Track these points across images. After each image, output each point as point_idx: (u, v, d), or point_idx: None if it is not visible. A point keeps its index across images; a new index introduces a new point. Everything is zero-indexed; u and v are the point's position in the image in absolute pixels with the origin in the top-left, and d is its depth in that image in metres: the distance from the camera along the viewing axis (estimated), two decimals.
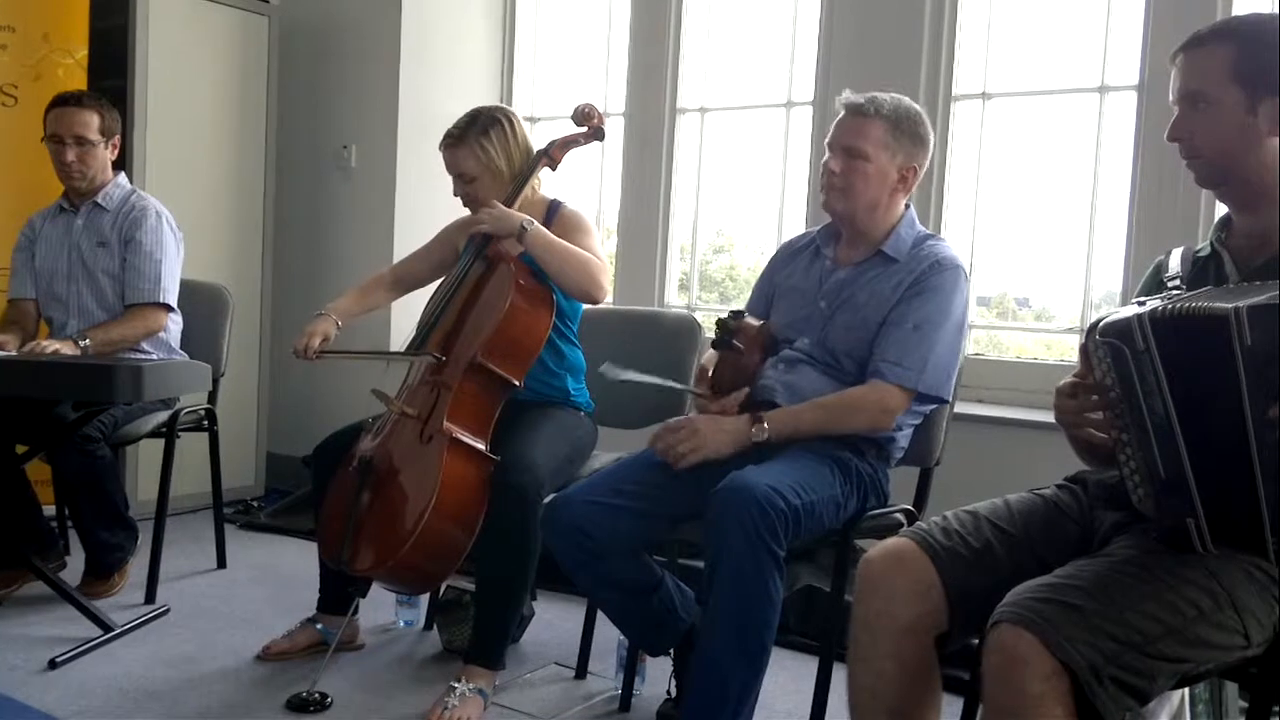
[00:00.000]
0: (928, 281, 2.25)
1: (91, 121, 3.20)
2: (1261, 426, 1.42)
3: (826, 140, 2.33)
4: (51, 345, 2.92)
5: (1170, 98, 1.73)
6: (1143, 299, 1.58)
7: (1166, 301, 1.51)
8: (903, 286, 2.26)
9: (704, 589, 2.06)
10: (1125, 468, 1.56)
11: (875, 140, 2.25)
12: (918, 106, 2.32)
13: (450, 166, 2.75)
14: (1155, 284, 1.79)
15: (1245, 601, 1.50)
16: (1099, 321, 1.56)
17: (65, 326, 3.22)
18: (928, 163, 2.34)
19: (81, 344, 2.99)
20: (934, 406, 2.32)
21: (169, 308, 3.24)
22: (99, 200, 3.27)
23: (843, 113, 2.30)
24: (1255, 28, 1.66)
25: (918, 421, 2.34)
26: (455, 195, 2.80)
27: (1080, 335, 3.31)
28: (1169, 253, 1.81)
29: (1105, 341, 1.53)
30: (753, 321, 2.38)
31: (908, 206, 2.37)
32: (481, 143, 2.71)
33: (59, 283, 3.27)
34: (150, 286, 3.20)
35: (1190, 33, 1.71)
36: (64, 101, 3.22)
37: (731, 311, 2.39)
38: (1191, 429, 1.46)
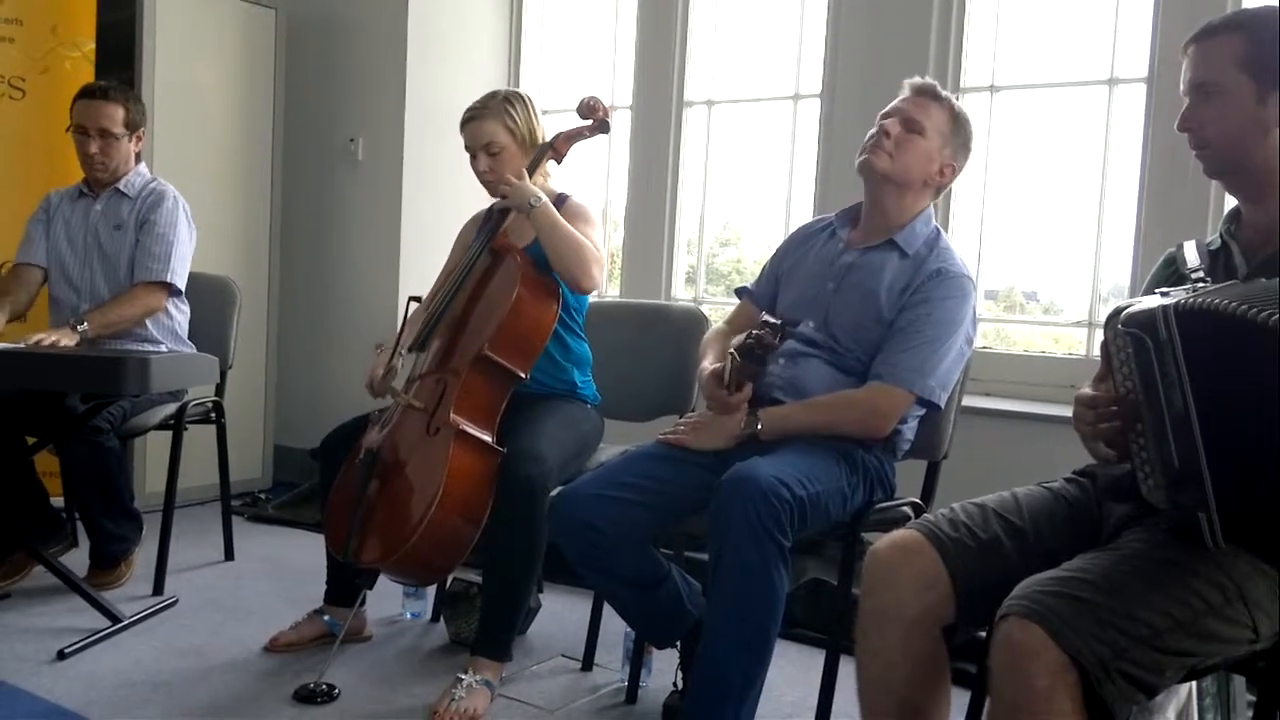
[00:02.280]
0: (934, 291, 2.25)
1: (116, 114, 3.21)
2: (1271, 418, 1.41)
3: (885, 110, 2.34)
4: (49, 337, 2.92)
5: (1180, 88, 1.72)
6: (1166, 290, 1.57)
7: (1192, 295, 1.50)
8: (909, 291, 2.27)
9: (708, 579, 2.07)
10: (1137, 458, 1.55)
11: (937, 122, 2.30)
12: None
13: (476, 140, 2.74)
14: (1167, 276, 1.78)
15: (1254, 595, 1.49)
16: (1120, 311, 1.55)
17: (77, 309, 3.21)
18: (961, 171, 2.38)
19: (80, 328, 2.99)
20: (925, 411, 2.31)
21: (174, 290, 3.25)
22: (120, 187, 3.29)
23: (909, 93, 2.34)
24: (1267, 19, 1.66)
25: (916, 419, 2.33)
26: (478, 173, 2.77)
27: (1087, 328, 3.32)
28: (1180, 245, 1.80)
29: (1127, 332, 1.52)
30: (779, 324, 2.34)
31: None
32: (509, 111, 2.74)
33: (72, 266, 3.27)
34: (159, 266, 3.20)
35: (1200, 24, 1.71)
36: (90, 93, 3.23)
37: (769, 325, 2.32)
38: (1209, 423, 1.46)
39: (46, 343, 2.88)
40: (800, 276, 2.44)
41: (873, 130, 2.33)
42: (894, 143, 2.29)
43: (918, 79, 2.36)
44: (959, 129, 2.33)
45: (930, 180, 2.33)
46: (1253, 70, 1.63)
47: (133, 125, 3.26)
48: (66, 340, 2.93)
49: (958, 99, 2.41)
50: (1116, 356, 1.55)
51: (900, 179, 2.31)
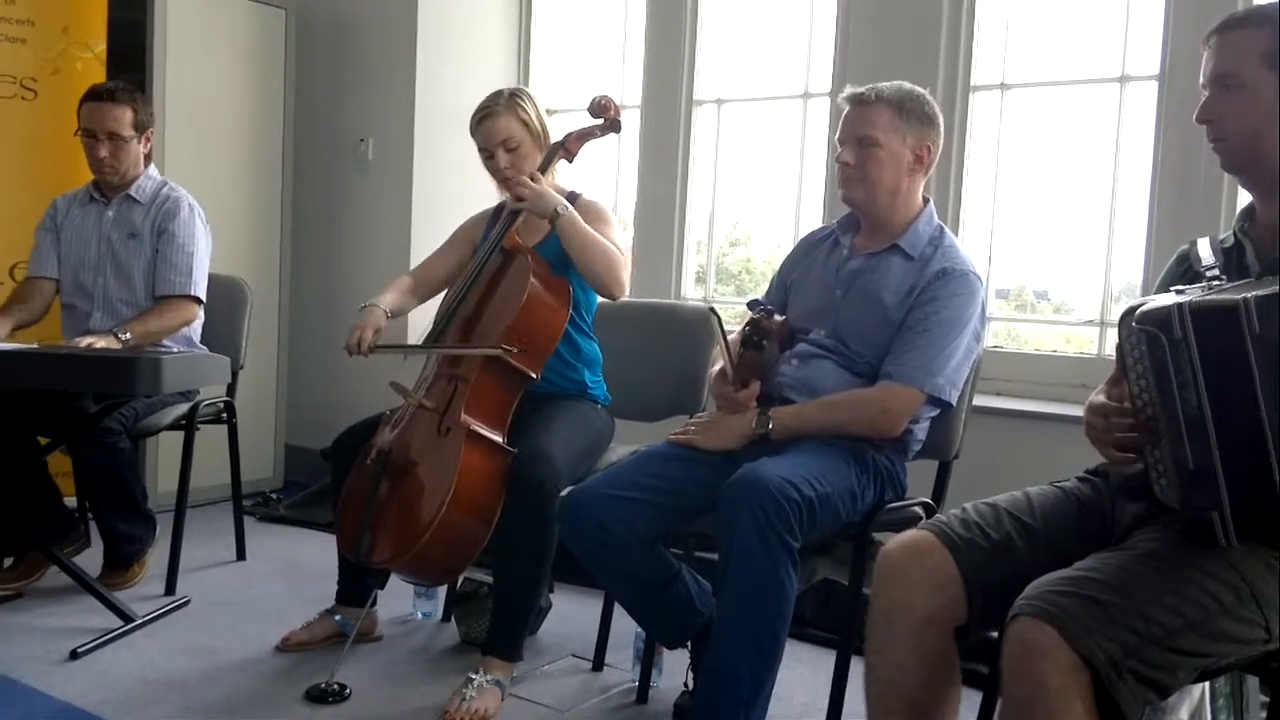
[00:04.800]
0: (940, 290, 2.24)
1: (124, 117, 3.19)
2: (1275, 416, 1.41)
3: (837, 137, 2.34)
4: (99, 340, 2.93)
5: (1200, 80, 1.71)
6: (1181, 288, 1.56)
7: (1207, 293, 1.50)
8: (916, 291, 2.26)
9: (717, 580, 2.07)
10: (1149, 457, 1.55)
11: (883, 125, 2.26)
12: (919, 88, 2.32)
13: (491, 139, 2.72)
14: (1181, 274, 1.77)
15: (1267, 595, 1.49)
16: (1134, 309, 1.54)
17: (90, 317, 3.22)
18: (941, 141, 2.34)
19: (123, 338, 3.00)
20: (937, 411, 2.31)
21: (199, 300, 3.25)
22: (132, 193, 3.27)
23: (847, 108, 2.31)
24: None
25: (928, 419, 2.33)
26: (496, 171, 2.75)
27: (1099, 328, 3.31)
28: (1193, 243, 1.79)
29: (1142, 329, 1.51)
30: (778, 317, 2.39)
31: (927, 201, 2.37)
32: (520, 106, 2.73)
33: (85, 273, 3.27)
34: (182, 279, 3.21)
35: (1211, 22, 1.70)
36: (97, 96, 3.20)
37: (763, 308, 2.38)
38: (1224, 422, 1.45)
39: (84, 344, 2.88)
40: (808, 286, 2.44)
41: (837, 155, 2.32)
42: (856, 168, 2.28)
43: (848, 89, 2.32)
44: (907, 112, 2.27)
45: (912, 170, 2.31)
46: (1276, 65, 1.62)
47: (141, 126, 3.24)
48: (108, 346, 2.94)
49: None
50: (1130, 355, 1.54)
51: (879, 196, 2.30)
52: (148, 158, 3.34)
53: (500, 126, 2.71)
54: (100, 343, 2.94)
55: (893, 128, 2.26)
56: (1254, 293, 1.43)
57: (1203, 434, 1.46)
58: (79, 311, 3.28)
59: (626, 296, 2.67)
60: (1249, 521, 1.46)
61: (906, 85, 2.31)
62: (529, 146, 2.73)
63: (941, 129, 2.34)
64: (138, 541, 3.24)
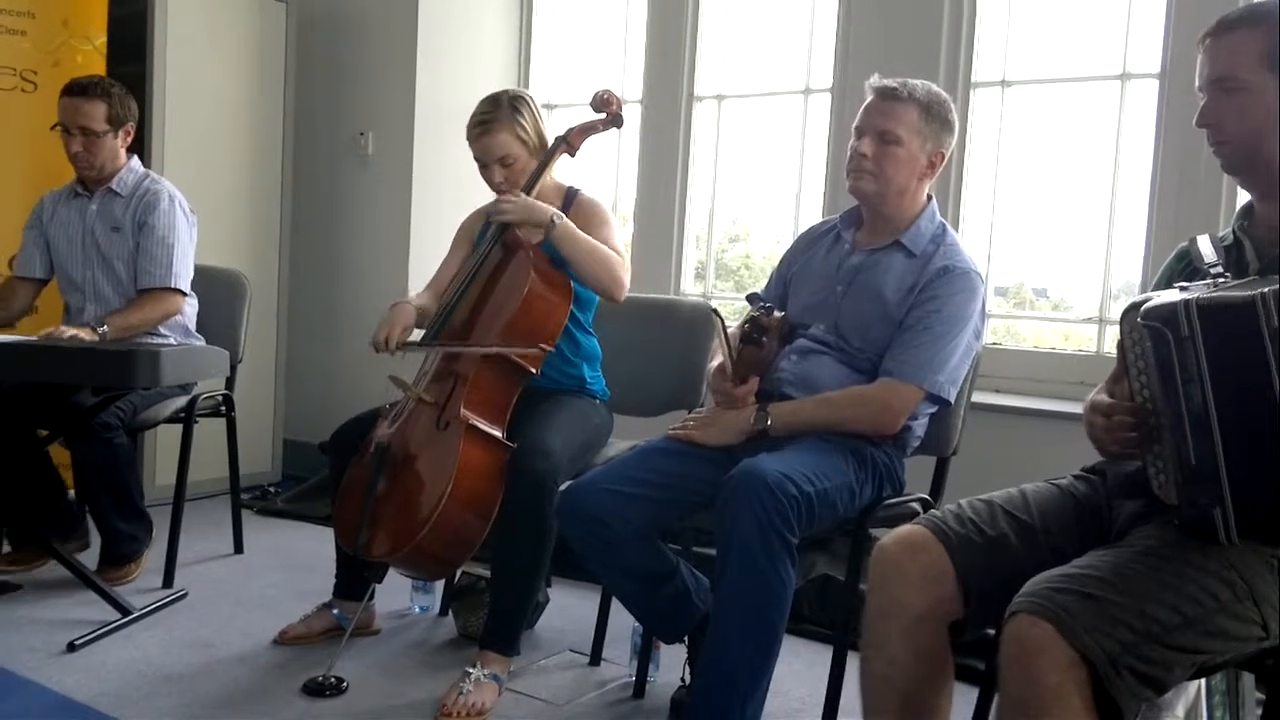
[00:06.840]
0: (942, 288, 2.24)
1: (96, 112, 3.15)
2: None
3: (855, 124, 2.31)
4: (69, 331, 2.93)
5: (1196, 84, 1.70)
6: (1185, 285, 1.55)
7: (1214, 290, 1.49)
8: (917, 288, 2.26)
9: (716, 575, 2.07)
10: (1149, 454, 1.54)
11: (909, 124, 2.25)
12: (944, 93, 2.31)
13: (488, 154, 2.70)
14: (1180, 270, 1.77)
15: (1264, 593, 1.49)
16: (1137, 305, 1.54)
17: (83, 312, 3.22)
18: (952, 149, 2.34)
19: (100, 330, 2.99)
20: (936, 408, 2.31)
21: (181, 292, 3.24)
22: (113, 186, 3.25)
23: (872, 96, 2.29)
24: None
25: (927, 416, 2.33)
26: (492, 184, 2.73)
27: (1098, 325, 3.31)
28: (1193, 240, 1.78)
29: (1147, 325, 1.51)
30: (777, 313, 2.39)
31: (930, 198, 2.36)
32: (519, 121, 2.69)
33: (74, 268, 3.26)
34: (162, 272, 3.19)
35: (1214, 18, 1.69)
36: (71, 91, 3.18)
37: (762, 305, 2.38)
38: (1227, 419, 1.45)
39: (67, 336, 2.88)
40: (809, 281, 2.44)
41: (851, 143, 2.30)
42: (873, 162, 2.26)
43: (878, 80, 2.29)
44: (933, 116, 2.26)
45: (923, 174, 2.31)
46: (1274, 65, 1.61)
47: (117, 121, 3.19)
48: (86, 337, 2.93)
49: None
50: (1132, 351, 1.54)
51: (889, 193, 2.30)
52: (131, 151, 3.31)
53: (498, 143, 2.68)
54: (70, 333, 2.91)
55: (916, 129, 2.25)
56: (1267, 289, 1.42)
57: (1206, 430, 1.46)
58: (73, 307, 3.28)
59: (628, 293, 2.66)
60: (1251, 518, 1.46)
61: (935, 87, 2.30)
62: (525, 161, 2.71)
63: (956, 137, 2.33)
64: (135, 540, 3.23)
